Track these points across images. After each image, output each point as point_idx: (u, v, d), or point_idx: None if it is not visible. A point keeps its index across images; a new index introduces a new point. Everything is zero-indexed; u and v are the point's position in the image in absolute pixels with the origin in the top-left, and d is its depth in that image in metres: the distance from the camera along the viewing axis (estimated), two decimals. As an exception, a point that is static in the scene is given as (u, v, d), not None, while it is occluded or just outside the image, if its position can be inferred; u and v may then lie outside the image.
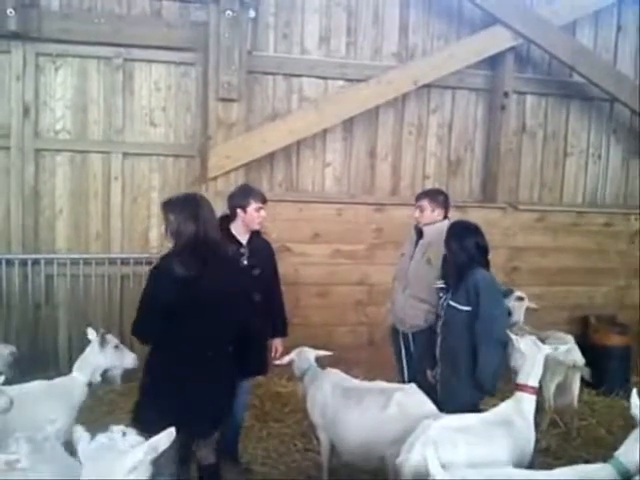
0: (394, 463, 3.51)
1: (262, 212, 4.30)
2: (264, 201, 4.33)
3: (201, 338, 3.37)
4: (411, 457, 3.15)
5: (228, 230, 4.26)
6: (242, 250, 4.22)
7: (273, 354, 4.53)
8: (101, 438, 2.45)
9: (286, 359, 4.46)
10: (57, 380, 3.94)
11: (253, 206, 4.24)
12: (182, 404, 3.31)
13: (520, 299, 5.91)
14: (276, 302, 4.53)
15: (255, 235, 4.36)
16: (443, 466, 2.85)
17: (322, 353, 4.52)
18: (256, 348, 3.92)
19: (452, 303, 3.97)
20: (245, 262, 4.20)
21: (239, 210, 4.26)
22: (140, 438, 2.51)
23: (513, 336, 4.05)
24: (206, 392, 3.40)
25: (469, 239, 3.96)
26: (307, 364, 4.43)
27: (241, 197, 4.30)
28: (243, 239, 4.28)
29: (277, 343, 4.56)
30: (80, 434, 2.49)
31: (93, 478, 2.34)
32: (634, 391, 3.18)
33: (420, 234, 4.59)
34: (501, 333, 3.87)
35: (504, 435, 3.42)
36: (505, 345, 3.95)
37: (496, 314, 3.86)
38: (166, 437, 2.53)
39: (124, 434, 2.48)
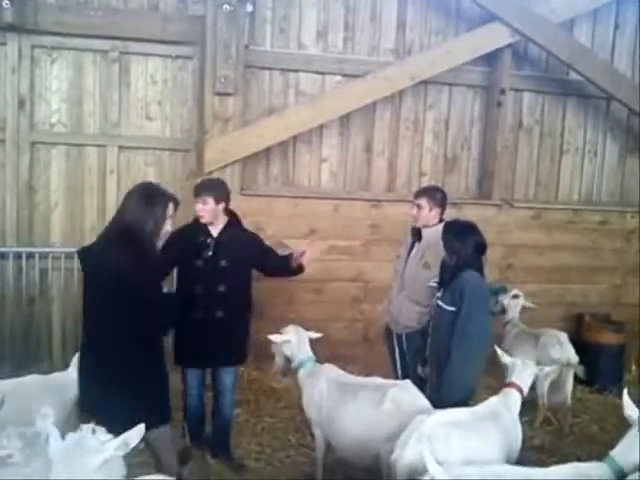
0: (388, 459, 3.52)
1: (198, 206, 4.36)
2: (201, 197, 4.36)
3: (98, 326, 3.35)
4: (405, 453, 3.16)
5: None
6: (208, 241, 4.33)
7: None
8: (71, 436, 2.47)
9: (284, 338, 4.33)
10: (52, 375, 3.93)
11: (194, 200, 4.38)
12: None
13: (516, 297, 5.93)
14: (276, 261, 4.60)
15: (230, 226, 4.43)
16: (439, 463, 2.86)
17: (314, 335, 4.43)
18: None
19: (439, 302, 3.99)
20: (210, 253, 4.31)
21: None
22: (109, 435, 2.53)
23: (499, 350, 4.06)
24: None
25: (471, 238, 3.95)
26: (305, 354, 4.32)
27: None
28: (214, 230, 4.38)
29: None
30: (49, 432, 2.49)
31: (64, 476, 2.35)
32: (625, 392, 3.19)
33: (416, 236, 4.59)
34: (479, 338, 3.84)
35: (494, 428, 3.46)
36: (483, 352, 3.93)
37: (475, 318, 3.80)
38: (136, 433, 2.55)
39: (93, 431, 2.50)
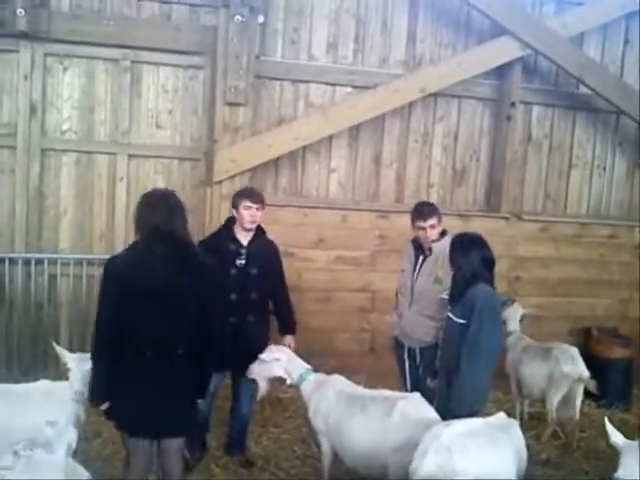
0: (395, 470, 3.52)
1: (252, 211, 4.43)
2: (257, 201, 4.46)
3: (144, 335, 3.33)
4: (425, 463, 3.13)
5: (231, 230, 4.49)
6: (241, 250, 4.43)
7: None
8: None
9: (274, 356, 4.28)
10: (57, 383, 3.96)
11: (242, 205, 4.42)
12: (130, 404, 3.35)
13: (513, 302, 5.82)
14: (282, 301, 4.72)
15: (258, 235, 4.53)
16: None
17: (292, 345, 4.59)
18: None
19: (450, 315, 3.97)
20: (242, 262, 4.42)
21: (234, 210, 4.48)
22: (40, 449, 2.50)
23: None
24: (151, 395, 3.33)
25: (475, 252, 3.92)
26: (301, 368, 4.31)
27: (235, 197, 4.53)
28: (243, 239, 4.47)
29: (289, 340, 4.68)
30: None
31: None
32: (607, 420, 3.19)
33: (419, 249, 4.57)
34: (489, 351, 3.82)
35: (507, 440, 3.45)
36: (492, 365, 3.92)
37: (486, 330, 3.77)
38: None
39: (30, 449, 2.47)
